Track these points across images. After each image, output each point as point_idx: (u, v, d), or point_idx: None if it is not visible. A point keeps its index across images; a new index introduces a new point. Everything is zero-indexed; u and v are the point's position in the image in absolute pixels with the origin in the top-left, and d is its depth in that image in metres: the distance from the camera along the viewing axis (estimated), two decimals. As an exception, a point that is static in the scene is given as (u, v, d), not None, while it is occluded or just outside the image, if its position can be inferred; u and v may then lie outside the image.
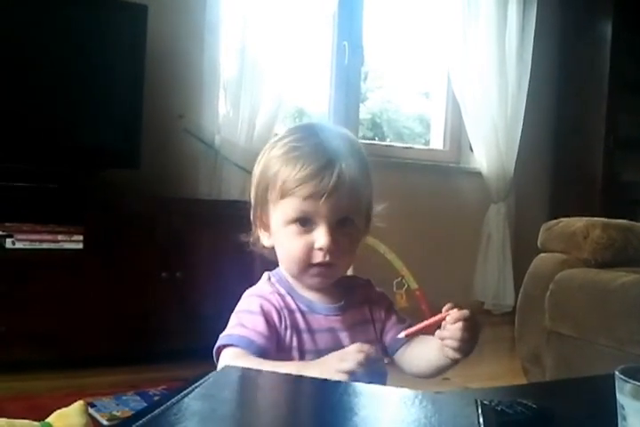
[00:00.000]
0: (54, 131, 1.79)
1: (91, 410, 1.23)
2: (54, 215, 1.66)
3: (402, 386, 0.53)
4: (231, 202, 2.02)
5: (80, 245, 1.66)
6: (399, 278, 2.18)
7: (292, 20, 2.17)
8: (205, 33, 2.09)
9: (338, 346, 0.68)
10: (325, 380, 0.53)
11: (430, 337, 0.73)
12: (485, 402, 0.49)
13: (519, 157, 2.73)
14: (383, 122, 2.99)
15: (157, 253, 1.76)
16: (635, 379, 0.51)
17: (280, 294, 0.70)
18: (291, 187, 0.66)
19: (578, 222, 1.53)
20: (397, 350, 0.75)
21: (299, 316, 0.69)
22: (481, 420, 0.43)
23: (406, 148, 2.76)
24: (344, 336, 0.70)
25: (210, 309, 1.77)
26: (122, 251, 1.72)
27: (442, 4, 2.59)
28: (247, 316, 0.67)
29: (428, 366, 0.72)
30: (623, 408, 0.52)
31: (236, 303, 0.71)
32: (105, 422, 1.24)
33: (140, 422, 0.41)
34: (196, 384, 0.46)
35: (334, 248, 0.66)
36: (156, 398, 1.36)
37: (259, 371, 0.52)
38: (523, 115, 2.71)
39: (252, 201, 0.73)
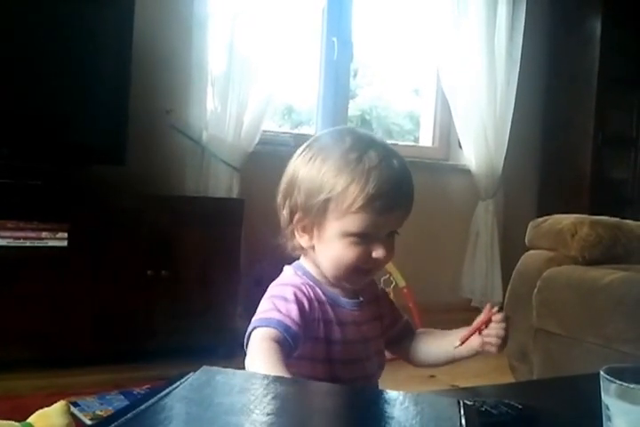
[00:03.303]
0: (39, 127, 1.76)
1: (74, 409, 1.22)
2: (39, 212, 1.63)
3: (383, 387, 0.52)
4: (218, 199, 2.01)
5: (64, 243, 1.64)
6: (387, 276, 2.17)
7: (281, 15, 2.15)
8: (193, 28, 2.06)
9: (363, 338, 0.73)
10: (303, 380, 0.52)
11: (439, 331, 0.80)
12: (469, 403, 0.48)
13: (508, 154, 2.73)
14: (373, 119, 2.98)
15: (143, 250, 1.75)
16: (620, 379, 0.50)
17: (310, 286, 0.71)
18: (361, 204, 0.66)
19: (565, 220, 1.53)
20: (403, 342, 0.80)
21: (328, 308, 0.71)
22: (463, 421, 0.42)
23: (396, 144, 2.75)
24: (365, 329, 0.73)
25: (196, 307, 1.76)
26: (107, 249, 1.70)
27: (432, 1, 2.58)
28: (282, 302, 0.67)
29: (444, 357, 0.77)
30: (608, 408, 0.52)
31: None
32: (88, 422, 1.23)
33: (113, 425, 0.40)
34: (173, 386, 0.45)
35: (387, 259, 0.71)
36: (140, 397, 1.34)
37: (236, 371, 0.51)
38: (512, 112, 2.71)
39: (300, 205, 0.70)
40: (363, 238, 0.68)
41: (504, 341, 0.72)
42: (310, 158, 0.71)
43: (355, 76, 2.78)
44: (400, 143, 2.82)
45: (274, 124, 2.56)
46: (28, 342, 1.57)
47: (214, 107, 2.11)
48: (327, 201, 0.68)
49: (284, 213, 0.73)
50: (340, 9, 2.48)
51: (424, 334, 0.81)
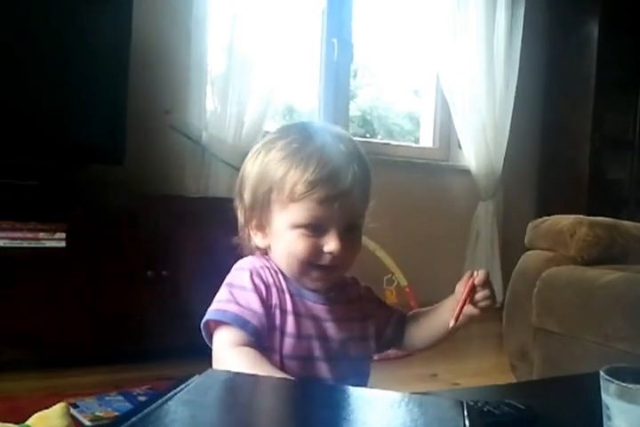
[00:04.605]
0: (37, 126, 1.75)
1: (73, 411, 1.21)
2: (36, 212, 1.62)
3: (386, 386, 0.53)
4: (218, 199, 2.00)
5: (62, 244, 1.63)
6: (389, 275, 2.18)
7: (281, 15, 2.15)
8: (192, 27, 2.06)
9: (320, 335, 0.68)
10: (310, 383, 0.52)
11: (426, 310, 0.78)
12: (472, 403, 0.48)
13: (507, 155, 2.74)
14: (374, 119, 2.98)
15: (143, 251, 1.74)
16: (619, 378, 0.51)
17: (273, 270, 0.68)
18: (303, 190, 0.63)
19: (564, 220, 1.54)
20: (403, 337, 0.77)
21: (287, 297, 0.67)
22: (467, 422, 0.42)
23: (396, 145, 2.75)
24: (329, 326, 0.68)
25: (196, 308, 1.75)
26: (106, 249, 1.70)
27: (431, 3, 2.58)
28: (240, 292, 0.65)
29: (440, 335, 0.75)
30: (608, 408, 0.52)
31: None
32: (87, 423, 1.22)
33: (119, 427, 0.40)
34: (178, 389, 0.45)
35: (343, 253, 0.65)
36: (140, 398, 1.34)
37: (242, 373, 0.51)
38: (511, 113, 2.72)
39: (247, 202, 0.69)
40: (313, 231, 0.64)
41: (493, 298, 0.72)
42: (254, 153, 0.70)
43: (355, 76, 2.79)
44: (401, 144, 2.82)
45: (275, 125, 2.56)
46: (25, 343, 1.56)
47: (214, 107, 2.11)
48: (269, 191, 0.66)
49: (239, 214, 0.71)
50: (339, 10, 2.48)
51: (414, 317, 0.78)
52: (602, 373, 0.52)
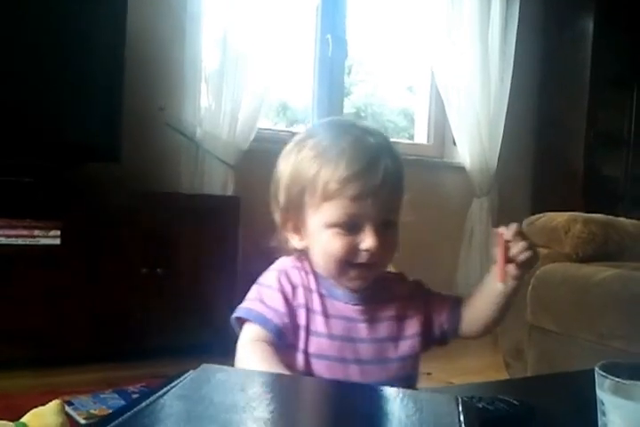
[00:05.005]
0: (32, 123, 1.74)
1: (68, 408, 1.21)
2: (31, 210, 1.61)
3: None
4: (213, 196, 2.00)
5: (57, 241, 1.63)
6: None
7: (276, 11, 2.14)
8: (187, 24, 2.05)
9: (352, 335, 0.68)
10: (304, 378, 0.53)
11: (474, 291, 0.73)
12: (467, 399, 0.48)
13: (502, 151, 2.74)
14: (368, 116, 2.98)
15: (138, 248, 1.74)
16: (614, 374, 0.51)
17: (304, 271, 0.69)
18: (335, 188, 0.63)
19: (559, 217, 1.54)
20: (460, 322, 0.73)
21: (316, 297, 0.68)
22: (462, 418, 0.43)
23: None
24: (362, 327, 0.68)
25: (191, 305, 1.76)
26: (101, 246, 1.69)
27: (426, -1, 2.58)
28: (267, 291, 0.67)
29: (497, 306, 0.71)
30: (603, 404, 0.52)
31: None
32: (82, 421, 1.22)
33: (113, 423, 0.40)
34: (173, 384, 0.45)
35: (379, 250, 0.65)
36: (135, 396, 1.34)
37: (237, 369, 0.51)
38: (505, 110, 2.72)
39: (282, 204, 0.69)
40: (348, 229, 0.64)
41: (532, 249, 0.67)
42: (287, 153, 0.70)
43: (349, 73, 2.78)
44: (395, 141, 2.82)
45: (269, 122, 2.56)
46: (20, 340, 1.56)
47: (208, 104, 2.10)
48: (302, 192, 0.66)
49: (275, 216, 0.71)
50: (334, 6, 2.48)
51: (467, 299, 0.74)
52: (597, 368, 0.52)
